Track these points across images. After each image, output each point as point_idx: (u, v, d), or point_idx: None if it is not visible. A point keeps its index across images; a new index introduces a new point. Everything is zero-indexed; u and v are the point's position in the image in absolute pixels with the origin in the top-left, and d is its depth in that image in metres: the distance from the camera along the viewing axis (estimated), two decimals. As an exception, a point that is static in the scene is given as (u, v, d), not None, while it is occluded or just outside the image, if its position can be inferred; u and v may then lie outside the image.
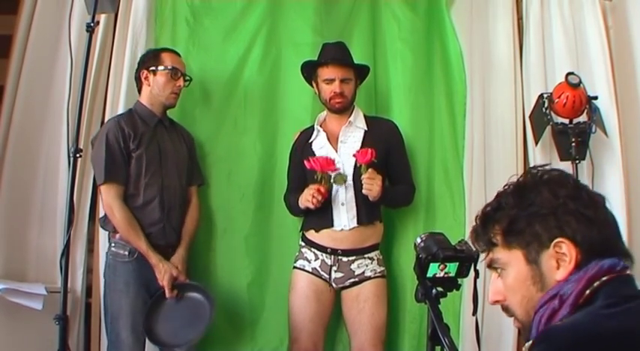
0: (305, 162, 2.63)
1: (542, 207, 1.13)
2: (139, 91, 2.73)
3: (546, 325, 1.10)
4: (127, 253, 2.55)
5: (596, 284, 1.08)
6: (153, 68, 2.66)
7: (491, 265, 1.21)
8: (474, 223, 1.24)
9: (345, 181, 2.64)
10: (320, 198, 2.55)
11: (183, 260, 2.62)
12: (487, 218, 1.21)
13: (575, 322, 1.04)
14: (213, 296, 2.58)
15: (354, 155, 2.65)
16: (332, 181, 2.61)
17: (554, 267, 1.12)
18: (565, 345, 0.99)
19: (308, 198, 2.56)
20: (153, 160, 2.61)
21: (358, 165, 2.63)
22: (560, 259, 1.11)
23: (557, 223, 1.12)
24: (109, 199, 2.54)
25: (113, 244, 2.60)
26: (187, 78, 2.76)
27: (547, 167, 1.21)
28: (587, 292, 1.07)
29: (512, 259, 1.17)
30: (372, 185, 2.57)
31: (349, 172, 2.66)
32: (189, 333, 2.52)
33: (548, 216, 1.12)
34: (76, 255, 2.77)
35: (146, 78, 2.68)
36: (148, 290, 2.56)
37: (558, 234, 1.11)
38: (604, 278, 1.08)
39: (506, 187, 1.21)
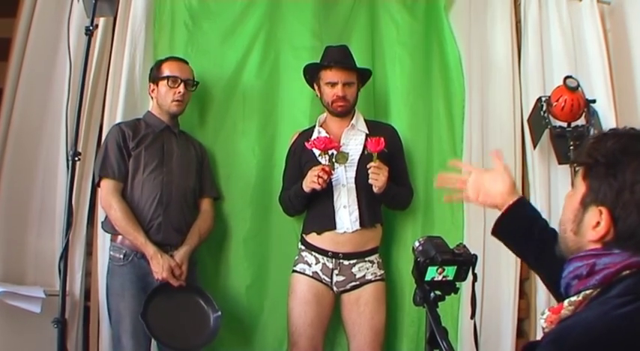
0: (306, 144, 2.62)
1: (619, 177, 1.14)
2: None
3: (568, 289, 1.14)
4: (121, 256, 2.57)
5: (624, 273, 1.09)
6: (155, 79, 2.74)
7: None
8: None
9: (346, 160, 2.62)
10: (326, 177, 2.54)
11: (184, 256, 2.59)
12: (597, 142, 1.21)
13: (586, 322, 1.04)
14: (220, 312, 2.57)
15: (365, 144, 2.64)
16: (334, 160, 2.59)
17: (593, 225, 1.15)
18: (576, 346, 1.00)
19: (313, 179, 2.55)
20: (153, 158, 2.65)
21: (367, 153, 2.62)
22: (599, 223, 1.14)
23: (615, 200, 1.13)
24: (106, 195, 2.59)
25: (111, 248, 2.63)
26: (192, 83, 2.78)
27: None
28: (614, 278, 1.09)
29: (578, 187, 1.21)
30: (379, 175, 2.57)
31: (351, 175, 2.66)
32: (182, 340, 2.49)
33: (616, 190, 1.13)
34: (75, 258, 2.76)
35: (152, 90, 2.77)
36: (146, 293, 2.54)
37: (609, 206, 1.13)
38: (633, 270, 1.09)
39: (627, 132, 1.20)
